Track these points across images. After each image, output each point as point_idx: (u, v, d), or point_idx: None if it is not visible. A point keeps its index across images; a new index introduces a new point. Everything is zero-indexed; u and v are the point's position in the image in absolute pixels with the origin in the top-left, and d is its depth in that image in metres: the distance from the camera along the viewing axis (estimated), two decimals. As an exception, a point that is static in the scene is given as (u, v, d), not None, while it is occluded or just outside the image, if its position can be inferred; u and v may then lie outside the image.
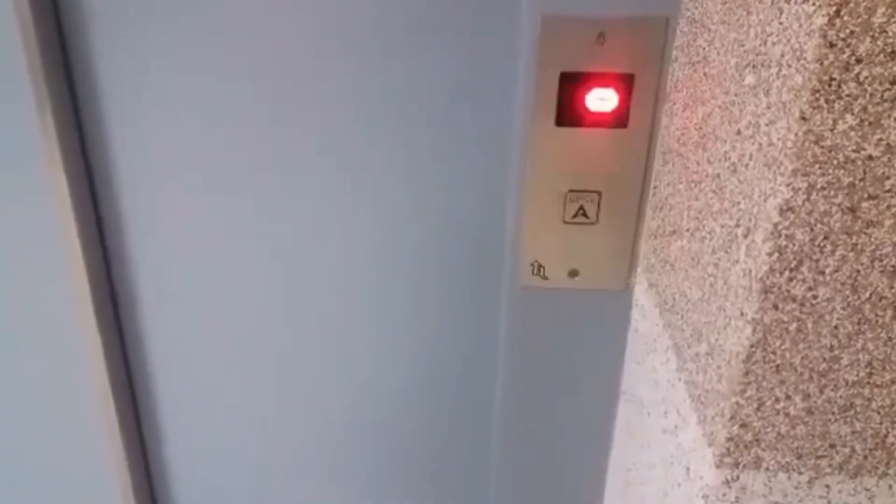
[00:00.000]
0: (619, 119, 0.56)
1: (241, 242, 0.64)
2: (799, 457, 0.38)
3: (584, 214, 0.59)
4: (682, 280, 0.48)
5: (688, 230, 0.47)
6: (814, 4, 0.31)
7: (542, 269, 0.62)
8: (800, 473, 0.39)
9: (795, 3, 0.33)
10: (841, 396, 0.37)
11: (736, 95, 0.40)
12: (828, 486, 0.39)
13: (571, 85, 0.55)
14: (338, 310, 0.67)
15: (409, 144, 0.60)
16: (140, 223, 0.63)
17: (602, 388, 0.65)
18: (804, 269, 0.34)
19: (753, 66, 0.38)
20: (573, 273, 0.62)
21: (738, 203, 0.39)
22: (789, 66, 0.33)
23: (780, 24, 0.35)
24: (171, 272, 0.66)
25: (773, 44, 0.35)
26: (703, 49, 0.47)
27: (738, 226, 0.39)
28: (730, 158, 0.40)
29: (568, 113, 0.56)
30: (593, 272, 0.61)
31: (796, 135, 0.32)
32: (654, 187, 0.57)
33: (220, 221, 0.64)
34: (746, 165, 0.38)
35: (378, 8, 0.56)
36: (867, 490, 0.39)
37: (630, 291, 0.61)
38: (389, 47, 0.57)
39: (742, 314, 0.37)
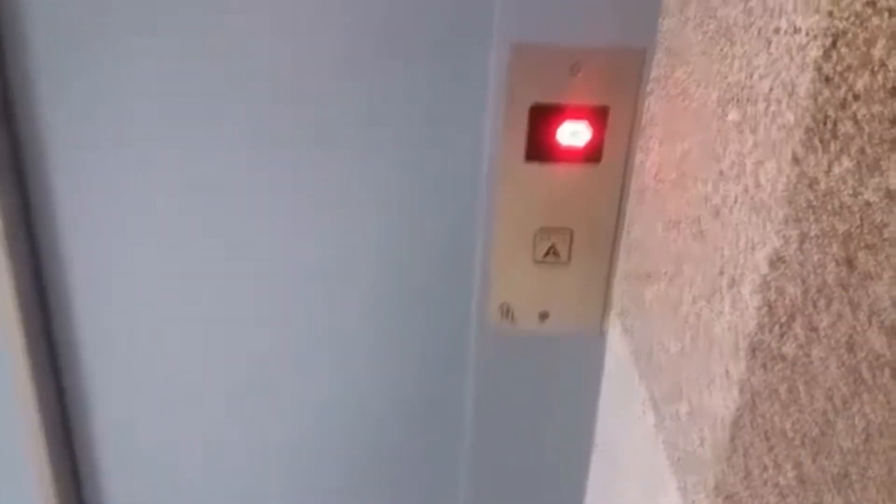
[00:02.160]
0: (592, 154, 0.53)
1: (193, 279, 0.60)
2: (790, 532, 0.35)
3: (556, 254, 0.56)
4: (660, 328, 0.44)
5: (665, 274, 0.44)
6: (807, 35, 0.28)
7: (510, 312, 0.58)
8: (790, 550, 0.35)
9: (786, 33, 0.30)
10: (835, 465, 0.33)
11: (718, 132, 0.37)
12: (821, 564, 0.35)
13: (542, 117, 0.52)
14: (294, 351, 0.62)
15: (370, 180, 0.56)
16: (82, 264, 0.59)
17: (574, 439, 0.61)
18: (796, 325, 0.31)
19: (738, 102, 0.35)
20: (543, 315, 0.58)
21: (722, 249, 0.35)
22: (779, 102, 0.30)
23: (769, 55, 0.32)
24: (114, 317, 0.61)
25: (761, 77, 0.32)
26: (682, 82, 0.44)
27: (721, 274, 0.35)
28: (711, 200, 0.37)
29: (538, 147, 0.53)
30: (564, 315, 0.58)
31: (787, 178, 0.29)
32: (629, 226, 0.53)
33: (169, 250, 0.59)
34: (731, 209, 0.35)
35: (341, 35, 0.52)
36: (864, 569, 0.35)
37: (603, 336, 0.58)
38: (354, 75, 0.53)
39: (727, 373, 0.33)
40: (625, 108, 0.52)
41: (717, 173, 0.37)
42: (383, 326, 0.61)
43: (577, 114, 0.52)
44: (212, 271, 0.59)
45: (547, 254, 0.56)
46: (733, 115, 0.35)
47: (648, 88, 0.51)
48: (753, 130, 0.33)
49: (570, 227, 0.55)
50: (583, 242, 0.55)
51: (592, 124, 0.52)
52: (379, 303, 0.60)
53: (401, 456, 0.66)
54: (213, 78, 0.53)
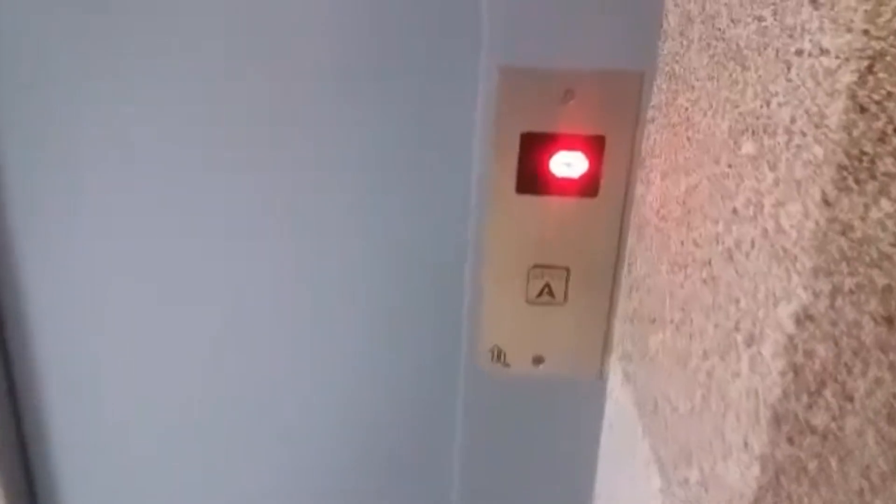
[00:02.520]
0: (588, 186, 0.49)
1: (168, 296, 0.56)
2: None
3: (550, 293, 0.52)
4: (666, 381, 0.40)
5: (671, 321, 0.40)
6: (837, 58, 0.24)
7: (503, 355, 0.54)
8: None
9: (810, 55, 0.26)
10: (873, 551, 0.29)
11: (730, 167, 0.33)
12: None
13: (534, 147, 0.48)
14: (273, 390, 0.58)
15: (351, 214, 0.52)
16: (40, 284, 0.54)
17: (572, 492, 0.57)
18: (827, 393, 0.26)
19: (753, 133, 0.31)
20: (538, 359, 0.53)
21: (738, 300, 0.31)
22: (804, 134, 0.26)
23: (789, 81, 0.28)
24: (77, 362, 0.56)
25: (780, 105, 0.28)
26: (686, 109, 0.40)
27: (737, 329, 0.31)
28: (724, 243, 0.33)
29: (530, 178, 0.49)
30: (561, 358, 0.53)
31: (816, 223, 0.25)
32: (630, 265, 0.49)
33: (145, 274, 0.55)
34: (747, 254, 0.31)
35: (322, 61, 0.49)
36: None
37: (603, 382, 0.53)
38: (336, 102, 0.49)
39: (746, 445, 0.29)
40: (623, 137, 0.48)
41: (729, 212, 0.33)
42: (367, 370, 0.57)
43: (572, 143, 0.48)
44: (188, 293, 0.55)
45: (541, 293, 0.52)
46: (748, 148, 0.31)
47: (648, 116, 0.47)
48: (773, 166, 0.29)
49: (566, 265, 0.51)
50: (579, 281, 0.51)
51: (588, 154, 0.48)
52: (361, 344, 0.56)
53: (388, 500, 0.61)
54: (188, 99, 0.50)
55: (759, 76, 0.30)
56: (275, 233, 0.53)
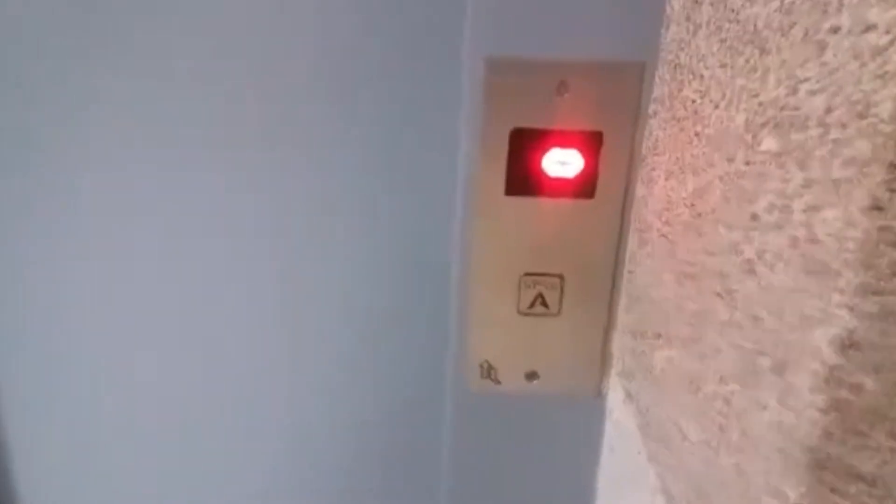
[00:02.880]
0: (584, 187, 0.45)
1: (146, 306, 0.51)
2: None
3: (544, 303, 0.48)
4: (674, 405, 0.36)
5: (679, 338, 0.36)
6: (888, 33, 0.20)
7: (493, 371, 0.49)
8: None
9: (851, 33, 0.22)
10: None
11: (747, 165, 0.29)
12: None
13: (525, 145, 0.44)
14: (254, 426, 0.53)
15: (336, 218, 0.48)
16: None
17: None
18: (878, 434, 0.22)
19: (776, 126, 0.27)
20: (531, 375, 0.49)
21: (761, 320, 0.27)
22: (843, 126, 0.22)
23: (823, 64, 0.23)
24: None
25: (811, 93, 0.24)
26: (693, 102, 0.36)
27: (760, 353, 0.27)
28: (742, 253, 0.29)
29: (521, 179, 0.45)
30: (556, 374, 0.49)
31: (865, 232, 0.21)
32: (630, 272, 0.45)
33: (123, 316, 0.50)
34: (772, 266, 0.26)
35: (301, 59, 0.44)
36: None
37: (602, 400, 0.49)
38: (311, 102, 0.45)
39: (778, 491, 0.25)
40: (622, 133, 0.44)
41: (748, 218, 0.29)
42: (347, 389, 0.52)
43: (566, 140, 0.44)
44: (172, 294, 0.51)
45: (534, 303, 0.48)
46: (769, 144, 0.27)
47: (650, 110, 0.43)
48: (802, 165, 0.25)
49: (561, 273, 0.47)
50: (575, 290, 0.47)
51: (584, 152, 0.44)
52: (342, 360, 0.52)
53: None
54: (176, 100, 0.45)
55: (784, 60, 0.26)
56: (259, 237, 0.49)
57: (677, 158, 0.38)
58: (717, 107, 0.33)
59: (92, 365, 0.53)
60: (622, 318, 0.46)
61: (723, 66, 0.32)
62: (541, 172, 0.44)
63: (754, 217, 0.28)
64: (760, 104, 0.28)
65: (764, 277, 0.27)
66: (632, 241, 0.45)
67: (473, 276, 0.47)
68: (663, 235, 0.39)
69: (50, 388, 0.53)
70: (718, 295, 0.31)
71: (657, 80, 0.42)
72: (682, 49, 0.38)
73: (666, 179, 0.39)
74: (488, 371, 0.49)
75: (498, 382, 0.49)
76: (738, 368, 0.29)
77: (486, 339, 0.49)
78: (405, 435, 0.53)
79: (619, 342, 0.47)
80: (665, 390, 0.37)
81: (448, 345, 0.50)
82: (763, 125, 0.28)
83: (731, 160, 0.30)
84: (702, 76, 0.35)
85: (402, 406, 0.52)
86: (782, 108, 0.26)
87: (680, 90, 0.38)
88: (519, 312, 0.48)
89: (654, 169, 0.42)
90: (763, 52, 0.28)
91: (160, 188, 0.47)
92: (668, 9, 0.41)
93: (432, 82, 0.45)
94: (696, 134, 0.35)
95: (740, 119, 0.30)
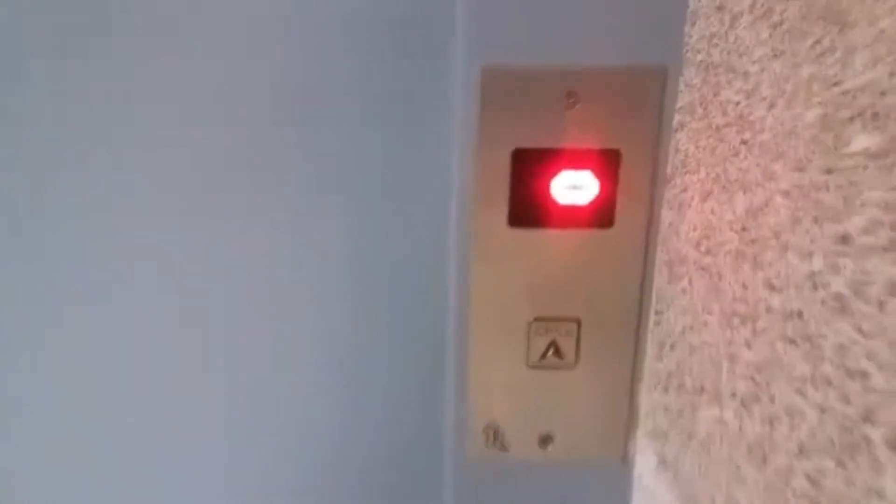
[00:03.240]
0: (601, 214, 0.38)
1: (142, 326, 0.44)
2: None
3: (558, 353, 0.40)
4: (731, 478, 0.29)
5: (734, 395, 0.29)
6: None
7: (499, 436, 0.42)
8: None
9: None
10: None
11: (828, 173, 0.22)
12: None
13: (530, 167, 0.37)
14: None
15: (310, 263, 0.41)
16: None
17: None
18: None
19: (873, 119, 0.20)
20: (545, 439, 0.42)
21: (867, 375, 0.20)
22: None
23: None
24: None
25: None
26: (737, 105, 0.29)
27: (867, 421, 0.20)
28: (828, 287, 0.22)
29: (526, 208, 0.38)
30: (573, 437, 0.42)
31: None
32: (658, 314, 0.38)
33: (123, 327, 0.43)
34: (880, 304, 0.20)
35: (279, 75, 0.38)
36: None
37: (628, 465, 0.42)
38: (289, 122, 0.39)
39: None
40: (642, 149, 0.37)
41: (832, 240, 0.22)
42: (333, 465, 0.45)
43: (578, 161, 0.37)
44: (160, 307, 0.44)
45: (545, 354, 0.41)
46: (863, 142, 0.21)
47: (675, 122, 0.36)
48: (925, 163, 0.18)
49: (576, 317, 0.40)
50: (594, 336, 0.40)
51: (599, 174, 0.37)
52: (334, 435, 0.44)
53: None
54: (170, 111, 0.39)
55: (882, 32, 0.20)
56: (240, 260, 0.42)
57: (718, 175, 0.31)
58: (772, 106, 0.26)
59: (92, 365, 0.45)
60: (651, 368, 0.39)
61: (777, 55, 0.26)
62: (549, 199, 0.38)
63: (844, 239, 0.21)
64: (843, 93, 0.22)
65: (866, 318, 0.20)
66: (660, 277, 0.38)
67: (475, 322, 0.40)
68: (703, 268, 0.32)
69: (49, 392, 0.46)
70: (791, 342, 0.24)
71: (682, 85, 0.36)
72: (716, 45, 0.32)
73: (703, 201, 0.33)
74: (494, 436, 0.42)
75: (505, 449, 0.42)
76: (829, 439, 0.22)
77: (490, 397, 0.42)
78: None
79: (647, 397, 0.40)
80: (715, 459, 0.30)
81: (446, 405, 0.43)
82: (851, 119, 0.21)
83: (800, 169, 0.24)
84: (746, 73, 0.28)
85: (396, 477, 0.45)
86: (882, 93, 0.20)
87: (716, 94, 0.32)
88: (528, 365, 0.41)
89: (684, 190, 0.35)
90: (844, 26, 0.22)
91: (158, 194, 0.41)
92: (691, 3, 0.35)
93: (421, 99, 0.39)
94: (744, 142, 0.29)
95: (811, 116, 0.23)
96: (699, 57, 0.34)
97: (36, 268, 0.42)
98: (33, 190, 0.41)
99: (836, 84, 0.22)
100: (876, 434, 0.20)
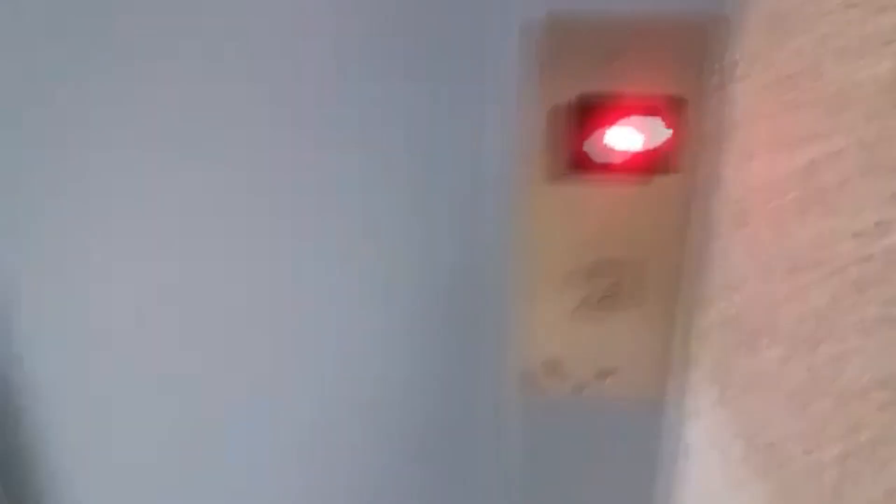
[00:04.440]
0: (659, 162, 0.39)
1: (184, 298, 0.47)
2: None
3: (614, 295, 0.42)
4: (788, 418, 0.30)
5: (793, 338, 0.30)
6: None
7: (557, 371, 0.44)
8: None
9: None
10: None
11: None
12: None
13: (587, 116, 0.38)
14: (289, 410, 0.49)
15: (364, 208, 0.43)
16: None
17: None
18: None
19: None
20: (601, 374, 0.44)
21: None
22: None
23: None
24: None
25: None
26: (802, 56, 0.30)
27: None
28: (893, 235, 0.23)
29: (583, 156, 0.39)
30: (627, 374, 0.44)
31: None
32: (718, 259, 0.40)
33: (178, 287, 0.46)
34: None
35: (318, 28, 0.39)
36: None
37: (680, 403, 0.44)
38: (335, 90, 0.40)
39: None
40: (702, 99, 0.38)
41: (903, 191, 0.23)
42: (394, 399, 0.47)
43: (634, 109, 0.38)
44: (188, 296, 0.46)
45: (604, 296, 0.42)
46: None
47: (738, 72, 0.37)
48: None
49: (633, 260, 0.41)
50: (650, 279, 0.41)
51: (658, 123, 0.38)
52: (388, 366, 0.47)
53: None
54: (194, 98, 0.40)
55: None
56: (281, 233, 0.44)
57: (780, 127, 0.32)
58: (841, 58, 0.27)
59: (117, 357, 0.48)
60: (707, 311, 0.41)
61: (852, 5, 0.26)
62: (607, 148, 0.39)
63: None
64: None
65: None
66: (721, 224, 0.39)
67: (536, 267, 0.42)
68: (763, 218, 0.34)
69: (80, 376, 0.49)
70: (855, 286, 0.25)
71: (746, 35, 0.36)
72: (784, -5, 0.32)
73: (767, 152, 0.34)
74: (552, 371, 0.44)
75: (563, 384, 0.44)
76: (889, 377, 0.23)
77: (548, 337, 0.44)
78: (459, 445, 0.48)
79: (704, 339, 0.41)
80: (771, 399, 0.32)
81: (509, 342, 0.45)
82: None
83: (869, 120, 0.25)
84: (812, 26, 0.29)
85: (461, 412, 0.47)
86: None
87: (781, 46, 0.32)
88: (586, 306, 0.42)
89: (746, 140, 0.36)
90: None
91: (198, 168, 0.43)
92: (759, -51, 0.35)
93: (467, 50, 0.39)
94: (808, 93, 0.29)
95: (885, 66, 0.24)
96: (769, 6, 0.34)
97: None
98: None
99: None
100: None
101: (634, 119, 0.38)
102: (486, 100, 0.40)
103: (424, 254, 0.43)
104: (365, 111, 0.41)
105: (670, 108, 0.38)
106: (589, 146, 0.39)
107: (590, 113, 0.38)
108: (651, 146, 0.38)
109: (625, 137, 0.38)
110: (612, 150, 0.39)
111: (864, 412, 0.25)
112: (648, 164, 0.39)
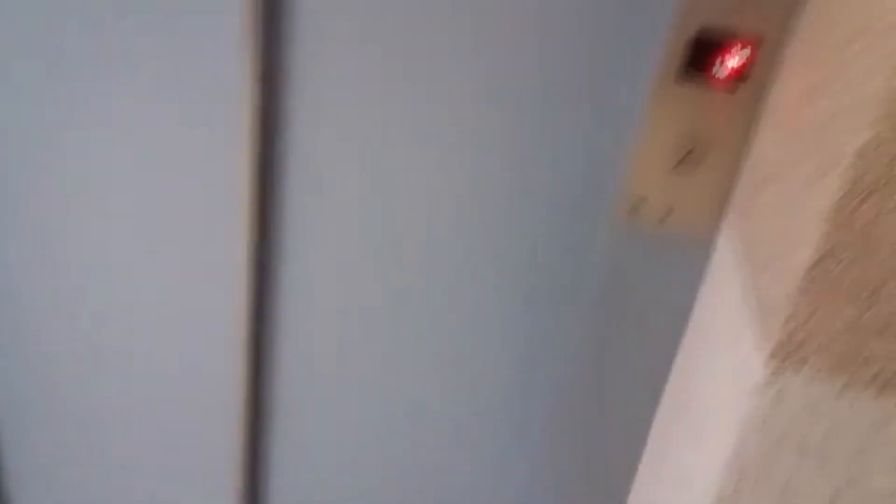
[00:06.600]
0: (740, 77, 0.61)
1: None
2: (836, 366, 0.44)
3: (691, 161, 0.65)
4: (770, 219, 0.53)
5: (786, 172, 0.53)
6: None
7: (642, 208, 0.68)
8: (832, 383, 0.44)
9: None
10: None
11: None
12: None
13: (704, 42, 0.60)
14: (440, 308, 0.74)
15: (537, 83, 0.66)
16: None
17: (671, 323, 0.72)
18: None
19: None
20: (667, 213, 0.67)
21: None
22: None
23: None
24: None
25: None
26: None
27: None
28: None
29: (693, 71, 0.61)
30: (687, 215, 0.67)
31: None
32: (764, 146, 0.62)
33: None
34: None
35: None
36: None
37: (716, 236, 0.67)
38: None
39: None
40: (777, 35, 0.59)
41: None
42: (508, 237, 0.70)
43: (737, 41, 0.60)
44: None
45: (682, 160, 0.65)
46: None
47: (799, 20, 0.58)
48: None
49: (711, 139, 0.64)
50: (718, 152, 0.64)
51: (747, 50, 0.60)
52: (507, 202, 0.70)
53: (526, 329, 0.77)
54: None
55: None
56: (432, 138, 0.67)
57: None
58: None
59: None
60: (752, 176, 0.63)
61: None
62: (714, 65, 0.61)
63: None
64: None
65: None
66: (765, 121, 0.61)
67: (651, 136, 0.65)
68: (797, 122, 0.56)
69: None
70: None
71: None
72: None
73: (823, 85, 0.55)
74: (637, 208, 0.68)
75: (642, 218, 0.68)
76: None
77: (642, 182, 0.67)
78: (561, 255, 0.72)
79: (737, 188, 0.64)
80: (765, 216, 0.55)
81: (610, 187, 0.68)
82: None
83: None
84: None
85: (561, 236, 0.70)
86: None
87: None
88: (670, 164, 0.66)
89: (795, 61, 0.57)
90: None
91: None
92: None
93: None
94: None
95: None
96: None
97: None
98: None
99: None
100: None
101: (734, 48, 0.60)
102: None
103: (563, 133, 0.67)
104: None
105: (755, 41, 0.60)
106: (698, 65, 0.61)
107: (704, 42, 0.60)
108: (737, 67, 0.60)
109: (726, 60, 0.61)
110: (716, 67, 0.61)
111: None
112: (732, 79, 0.61)
